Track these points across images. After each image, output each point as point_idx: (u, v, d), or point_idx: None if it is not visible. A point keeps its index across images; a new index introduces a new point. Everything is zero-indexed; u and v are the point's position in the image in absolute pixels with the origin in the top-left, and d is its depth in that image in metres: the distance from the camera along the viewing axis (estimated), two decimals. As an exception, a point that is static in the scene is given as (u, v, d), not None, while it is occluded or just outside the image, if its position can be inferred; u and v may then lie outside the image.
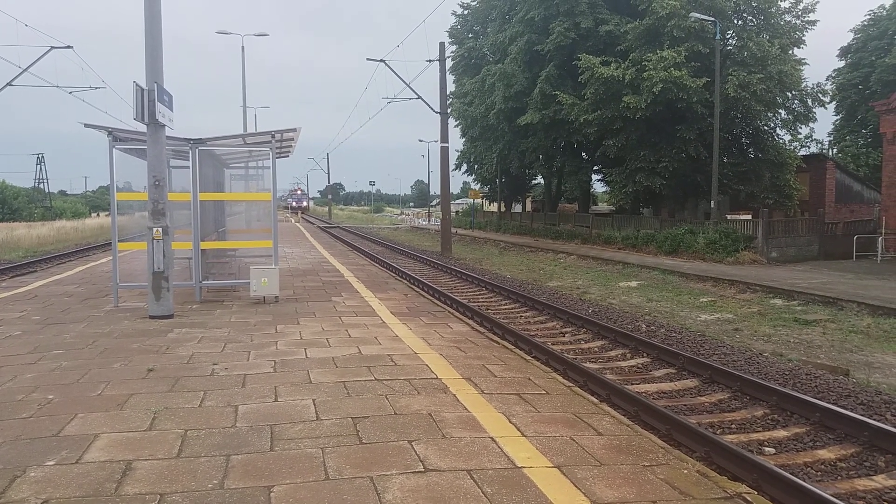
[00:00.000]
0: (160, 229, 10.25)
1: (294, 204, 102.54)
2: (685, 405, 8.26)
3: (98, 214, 74.55)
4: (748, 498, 4.27)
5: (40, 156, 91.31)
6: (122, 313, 10.78)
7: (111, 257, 11.93)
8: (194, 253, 12.09)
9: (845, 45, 43.62)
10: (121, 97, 36.48)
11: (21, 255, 27.78)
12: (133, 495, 4.06)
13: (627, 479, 4.45)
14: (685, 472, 4.64)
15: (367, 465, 4.53)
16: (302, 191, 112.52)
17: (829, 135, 47.59)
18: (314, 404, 5.89)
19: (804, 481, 5.54)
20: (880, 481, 5.97)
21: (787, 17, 30.80)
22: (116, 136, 11.50)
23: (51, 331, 9.31)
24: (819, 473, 6.22)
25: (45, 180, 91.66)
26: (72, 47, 26.20)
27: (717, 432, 7.20)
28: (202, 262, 12.42)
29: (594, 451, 4.94)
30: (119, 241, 11.98)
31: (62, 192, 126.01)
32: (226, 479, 4.29)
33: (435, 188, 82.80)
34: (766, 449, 6.80)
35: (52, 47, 25.91)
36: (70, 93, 29.20)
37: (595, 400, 6.59)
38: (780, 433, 7.26)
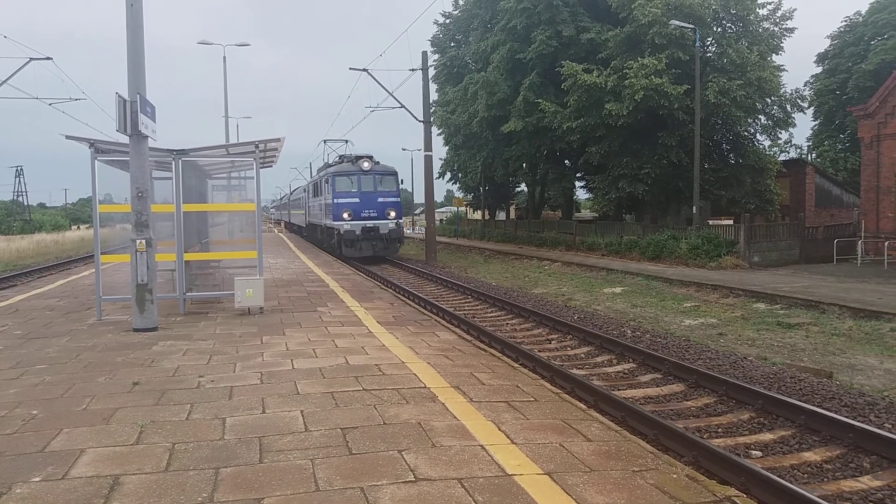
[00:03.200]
0: (144, 241, 10.17)
1: (365, 215, 29.12)
2: (672, 410, 8.31)
3: (78, 227, 73.89)
4: (737, 501, 4.31)
5: (19, 168, 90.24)
6: (106, 326, 10.67)
7: (93, 270, 11.85)
8: (178, 264, 12.01)
9: (822, 51, 44.19)
10: (101, 108, 36.33)
11: (0, 268, 27.44)
12: (121, 510, 4.02)
13: (617, 484, 4.47)
14: (674, 476, 4.67)
15: (357, 476, 4.52)
16: (385, 169, 30.60)
17: (808, 140, 48.22)
18: (302, 415, 5.86)
19: (791, 483, 5.59)
20: (866, 482, 6.03)
21: (766, 25, 31.19)
22: (98, 148, 11.41)
23: (33, 345, 9.19)
24: (805, 475, 6.28)
25: (24, 193, 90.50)
26: (51, 59, 26.01)
27: (705, 436, 7.24)
28: (186, 273, 12.33)
29: (584, 457, 4.95)
30: (102, 253, 11.88)
31: (41, 205, 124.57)
32: (215, 493, 4.26)
33: (418, 197, 78.72)
34: (753, 452, 6.85)
35: (32, 59, 25.71)
36: (50, 104, 28.98)
37: (583, 406, 6.61)
38: (767, 436, 7.32)
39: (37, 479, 4.49)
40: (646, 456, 5.06)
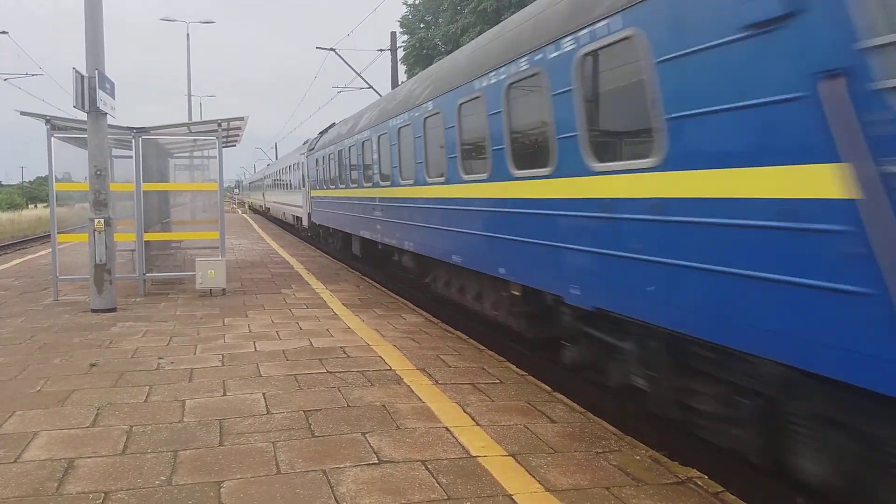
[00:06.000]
0: (102, 220, 9.94)
1: None
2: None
3: (35, 206, 72.14)
4: (699, 482, 4.35)
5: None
6: (63, 307, 10.42)
7: (50, 249, 11.54)
8: (137, 244, 11.76)
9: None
10: (59, 84, 35.38)
11: (-47, 248, 26.65)
12: (76, 494, 3.91)
13: (581, 465, 4.48)
14: (637, 458, 4.70)
15: (319, 459, 4.46)
16: None
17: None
18: (264, 398, 5.78)
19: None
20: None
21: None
22: (55, 125, 11.11)
23: (-14, 326, 8.94)
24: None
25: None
26: (7, 33, 25.24)
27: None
28: (146, 253, 12.08)
29: (548, 438, 4.96)
30: (59, 232, 11.59)
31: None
32: (174, 475, 4.17)
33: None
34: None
35: (-14, 32, 24.91)
36: (5, 79, 28.15)
37: (548, 388, 6.62)
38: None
39: (-13, 462, 4.36)
40: (609, 437, 5.08)
